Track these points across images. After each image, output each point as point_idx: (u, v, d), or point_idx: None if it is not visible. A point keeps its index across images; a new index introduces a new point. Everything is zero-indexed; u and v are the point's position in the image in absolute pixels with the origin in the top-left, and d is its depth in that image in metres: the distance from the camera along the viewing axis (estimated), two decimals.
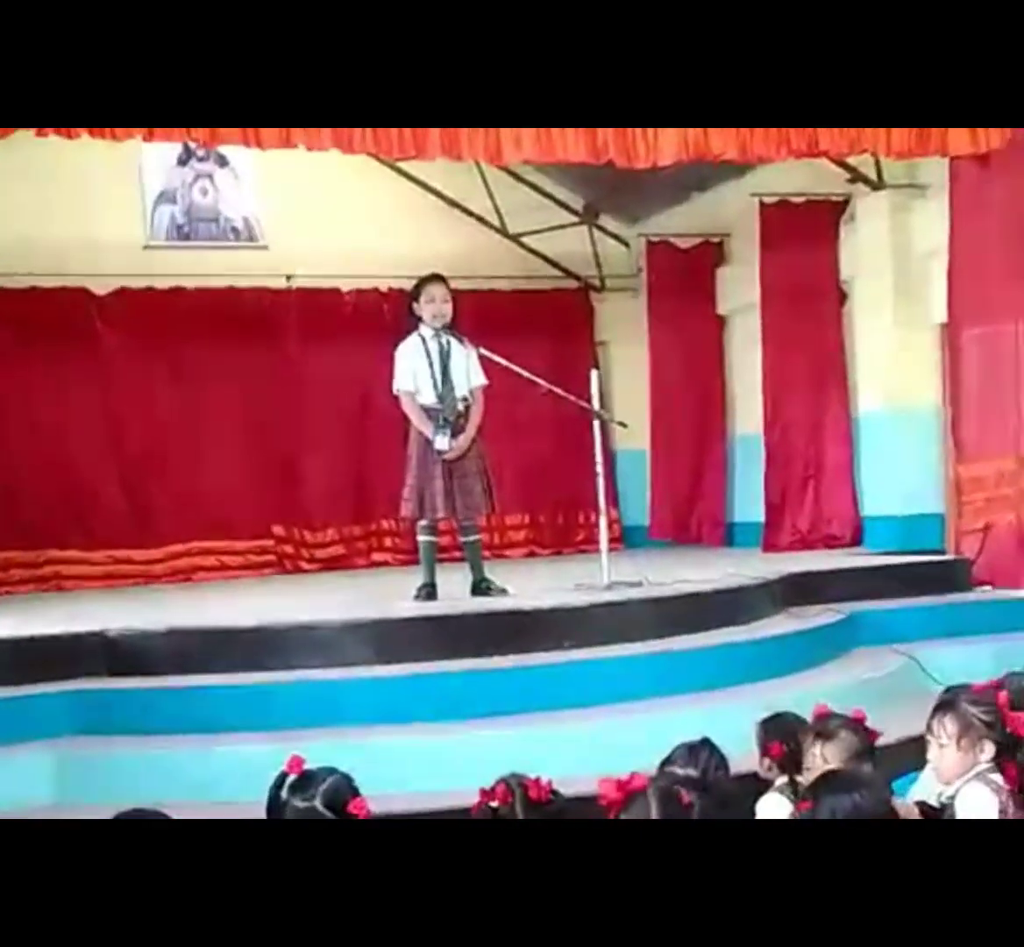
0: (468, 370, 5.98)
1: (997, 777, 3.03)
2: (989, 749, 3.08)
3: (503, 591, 5.96)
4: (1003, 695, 3.18)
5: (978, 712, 3.12)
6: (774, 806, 3.28)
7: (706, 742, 3.17)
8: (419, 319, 5.99)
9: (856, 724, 3.30)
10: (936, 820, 3.03)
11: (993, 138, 6.19)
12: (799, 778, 3.28)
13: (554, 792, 2.77)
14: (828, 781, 2.71)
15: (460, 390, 5.95)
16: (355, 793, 2.80)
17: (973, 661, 5.23)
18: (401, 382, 5.98)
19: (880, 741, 3.82)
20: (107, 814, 2.66)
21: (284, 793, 2.79)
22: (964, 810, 3.02)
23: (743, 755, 3.41)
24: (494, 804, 2.73)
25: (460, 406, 5.94)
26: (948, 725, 3.14)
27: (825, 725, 3.31)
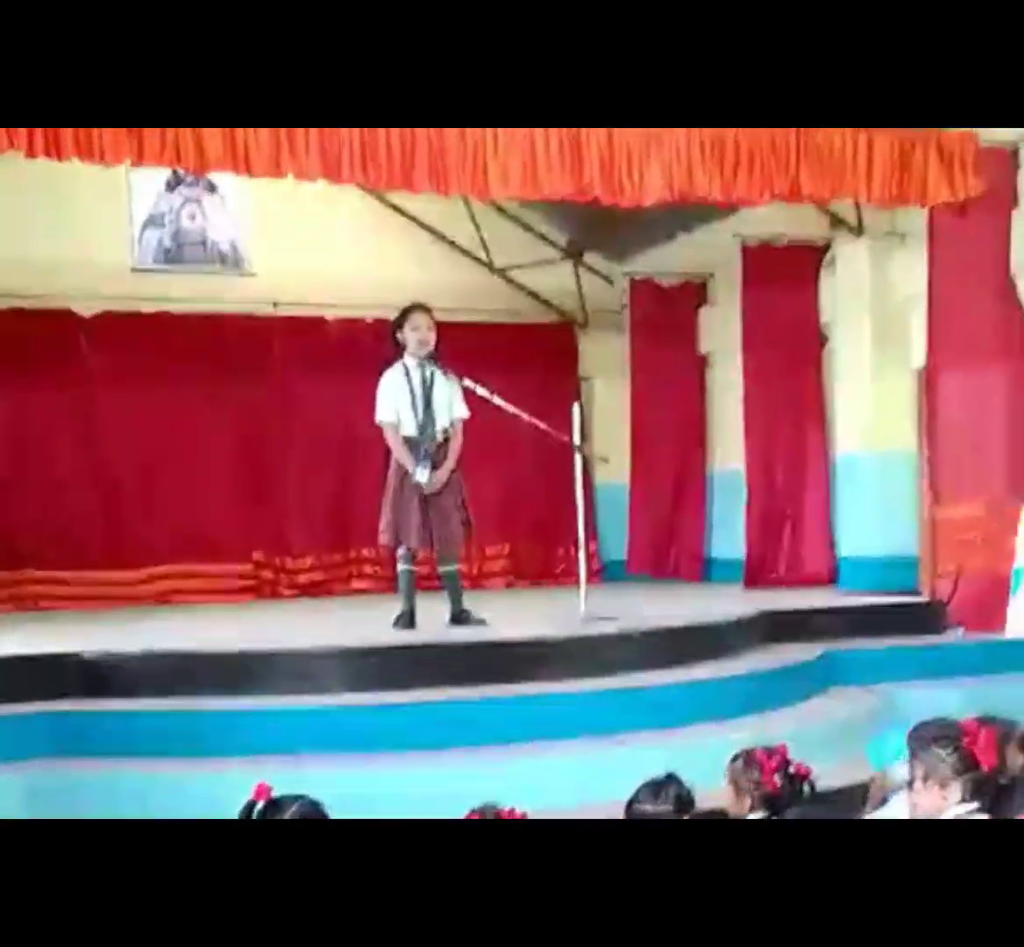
0: (451, 402, 6.02)
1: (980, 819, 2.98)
2: (956, 790, 3.06)
3: (481, 622, 5.98)
4: (979, 736, 3.15)
5: (945, 754, 3.12)
6: None
7: (671, 777, 3.19)
8: (402, 348, 6.04)
9: (754, 761, 3.33)
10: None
11: (971, 188, 6.30)
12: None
13: None
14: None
15: (441, 422, 5.99)
16: (323, 820, 2.81)
17: (945, 702, 5.26)
18: (383, 413, 6.02)
19: (848, 780, 3.87)
20: None
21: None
22: None
23: (714, 791, 3.43)
24: None
25: (440, 438, 5.98)
26: (915, 766, 3.15)
27: (740, 752, 3.35)
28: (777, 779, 3.34)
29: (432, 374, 5.98)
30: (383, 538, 6.04)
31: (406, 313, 6.07)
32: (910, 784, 3.32)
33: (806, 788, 3.38)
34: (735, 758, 3.45)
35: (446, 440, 6.00)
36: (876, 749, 3.73)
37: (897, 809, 3.44)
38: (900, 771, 3.60)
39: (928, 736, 3.33)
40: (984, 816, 2.97)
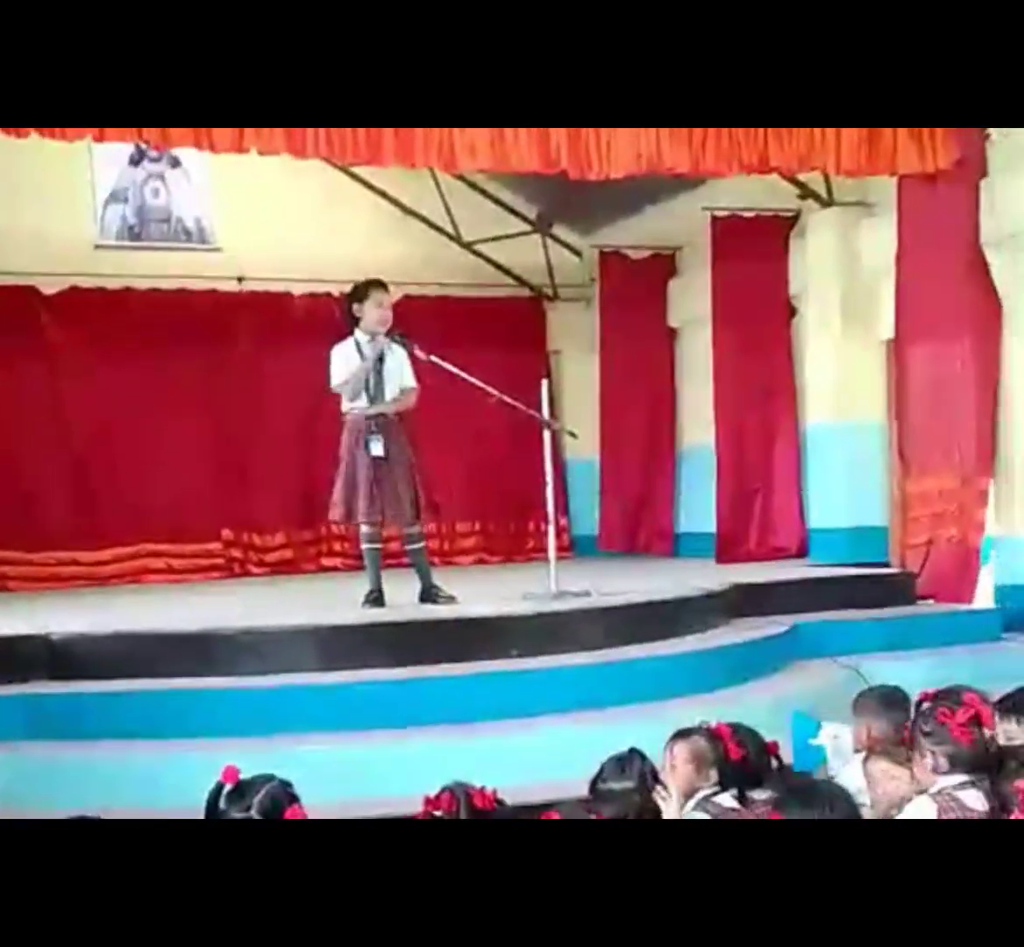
0: (402, 375, 5.99)
1: (968, 794, 2.95)
2: (931, 761, 3.05)
3: (451, 599, 5.95)
4: (956, 711, 3.11)
5: (922, 723, 3.11)
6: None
7: (635, 752, 3.18)
8: (356, 321, 5.99)
9: (717, 734, 3.32)
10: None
11: (941, 158, 6.30)
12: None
13: (499, 801, 2.78)
14: (798, 795, 2.73)
15: (391, 396, 5.96)
16: (293, 800, 2.79)
17: (914, 674, 5.28)
18: (338, 379, 5.97)
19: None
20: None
21: (222, 804, 2.78)
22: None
23: None
24: (439, 813, 2.73)
25: (389, 412, 5.95)
26: (915, 736, 3.11)
27: (688, 728, 3.35)
28: (741, 751, 3.33)
29: (382, 350, 5.95)
30: (333, 513, 6.05)
31: (367, 288, 6.02)
32: (868, 754, 3.34)
33: (773, 762, 3.38)
34: (681, 735, 3.37)
35: (398, 413, 5.98)
36: (796, 726, 3.75)
37: (851, 777, 3.44)
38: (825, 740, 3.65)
39: (896, 707, 3.34)
40: (974, 789, 2.96)
